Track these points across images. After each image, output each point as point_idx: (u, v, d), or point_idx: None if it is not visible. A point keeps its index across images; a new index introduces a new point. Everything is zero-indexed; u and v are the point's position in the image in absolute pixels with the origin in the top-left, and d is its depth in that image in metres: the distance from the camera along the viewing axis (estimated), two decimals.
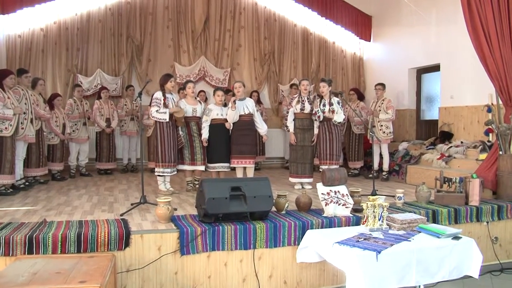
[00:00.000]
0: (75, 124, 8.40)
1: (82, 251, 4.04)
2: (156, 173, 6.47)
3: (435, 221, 5.09)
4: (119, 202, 5.84)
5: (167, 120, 6.28)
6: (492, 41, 6.05)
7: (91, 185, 7.48)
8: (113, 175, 8.74)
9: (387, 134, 8.01)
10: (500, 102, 6.25)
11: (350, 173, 8.67)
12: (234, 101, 6.49)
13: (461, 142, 7.57)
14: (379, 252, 3.60)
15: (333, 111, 6.71)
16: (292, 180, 6.99)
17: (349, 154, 8.69)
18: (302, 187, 6.84)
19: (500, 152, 5.91)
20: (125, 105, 9.12)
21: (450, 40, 8.12)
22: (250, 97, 9.53)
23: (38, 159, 7.37)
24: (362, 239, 3.95)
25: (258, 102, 9.78)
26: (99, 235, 4.09)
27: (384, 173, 8.10)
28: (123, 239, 4.15)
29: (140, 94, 5.47)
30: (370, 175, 8.20)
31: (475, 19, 6.08)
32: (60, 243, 3.98)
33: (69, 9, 9.31)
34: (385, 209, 4.31)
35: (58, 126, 7.92)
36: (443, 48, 8.41)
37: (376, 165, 8.27)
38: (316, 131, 6.88)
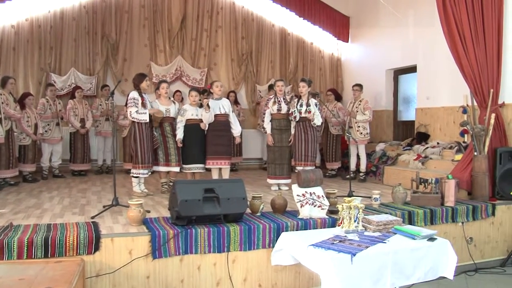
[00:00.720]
0: (48, 124, 8.18)
1: (49, 256, 3.89)
2: (132, 175, 6.33)
3: (411, 222, 5.08)
4: (91, 205, 5.68)
5: (147, 120, 6.15)
6: (466, 43, 6.08)
7: (63, 186, 7.29)
8: (88, 177, 8.55)
9: (364, 135, 8.01)
10: (475, 103, 6.28)
11: (327, 174, 8.66)
12: (208, 104, 6.39)
13: (437, 143, 7.61)
14: (354, 255, 3.55)
15: (309, 112, 6.66)
16: (269, 181, 6.93)
17: (327, 155, 8.65)
18: (279, 188, 6.78)
19: (475, 153, 5.93)
20: (100, 105, 8.95)
21: (426, 42, 8.16)
22: (227, 97, 9.47)
23: (8, 160, 7.17)
24: (337, 241, 3.90)
25: (236, 102, 9.72)
26: (68, 239, 3.95)
27: (361, 174, 8.10)
28: (93, 243, 4.01)
29: (112, 93, 5.33)
30: (348, 176, 8.21)
31: (450, 21, 6.10)
32: (26, 248, 3.82)
33: (41, 6, 9.08)
34: (360, 210, 4.28)
35: (29, 126, 7.69)
36: (419, 50, 8.45)
37: (353, 166, 8.25)
38: (293, 131, 6.83)
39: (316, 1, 10.49)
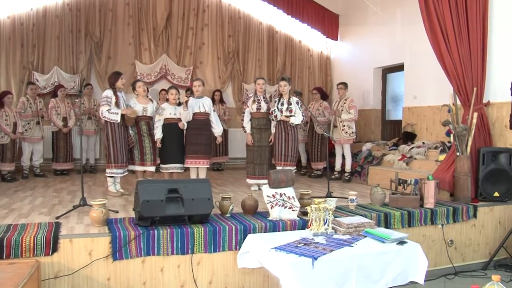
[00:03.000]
0: (28, 123, 8.07)
1: (5, 257, 3.77)
2: (107, 174, 6.21)
3: (387, 224, 4.93)
4: (62, 204, 5.56)
5: (119, 120, 6.03)
6: (449, 41, 5.93)
7: (41, 186, 7.18)
8: (69, 176, 8.42)
9: (350, 134, 7.86)
10: (459, 102, 6.13)
11: (313, 174, 8.53)
12: (186, 102, 6.26)
13: (423, 143, 7.46)
14: (316, 259, 3.40)
15: (291, 111, 6.51)
16: (249, 181, 6.80)
17: (312, 155, 8.50)
18: (259, 189, 6.64)
19: (457, 153, 5.78)
20: (83, 103, 8.80)
21: (413, 40, 8.01)
22: (213, 96, 9.39)
23: None
24: (302, 244, 3.76)
25: (221, 101, 9.59)
26: (24, 240, 3.83)
27: (346, 174, 7.94)
28: (50, 244, 3.89)
29: (80, 92, 5.21)
30: (333, 176, 8.07)
31: (432, 17, 5.94)
32: None
33: (24, 3, 8.94)
34: (330, 212, 4.13)
35: (8, 125, 7.59)
36: (406, 48, 8.31)
37: (338, 166, 8.13)
38: (273, 130, 6.68)
39: None
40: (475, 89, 5.93)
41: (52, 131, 8.49)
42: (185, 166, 6.56)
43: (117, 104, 6.04)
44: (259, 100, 6.64)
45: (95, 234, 4.07)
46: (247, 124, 6.71)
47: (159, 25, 9.73)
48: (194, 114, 6.43)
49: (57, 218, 4.65)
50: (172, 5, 9.82)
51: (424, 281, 3.84)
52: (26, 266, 3.59)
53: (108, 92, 6.08)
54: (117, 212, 4.96)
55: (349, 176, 7.92)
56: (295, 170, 6.76)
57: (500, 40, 6.05)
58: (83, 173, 8.53)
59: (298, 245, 3.72)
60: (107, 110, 5.97)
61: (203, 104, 6.51)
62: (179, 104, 6.47)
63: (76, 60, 9.32)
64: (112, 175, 6.14)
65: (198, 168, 6.50)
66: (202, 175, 6.46)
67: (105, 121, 6.09)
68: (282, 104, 6.57)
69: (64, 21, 9.22)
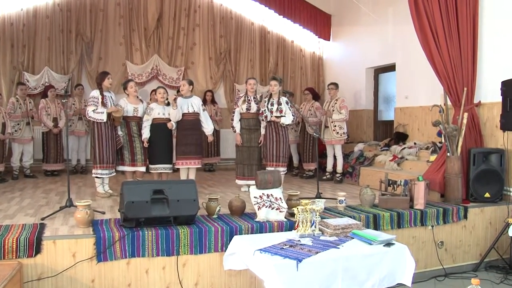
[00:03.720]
0: (18, 124, 8.02)
1: None
2: (93, 175, 6.16)
3: (376, 225, 4.89)
4: (49, 205, 5.51)
5: (105, 120, 5.99)
6: (439, 41, 5.89)
7: (30, 187, 7.13)
8: (60, 177, 8.36)
9: (341, 135, 7.81)
10: (449, 102, 6.10)
11: (304, 174, 8.48)
12: (175, 99, 6.22)
13: (414, 143, 7.43)
14: (300, 261, 3.36)
15: (281, 111, 6.46)
16: (238, 182, 6.74)
17: (303, 156, 8.46)
18: (249, 190, 6.58)
19: (448, 154, 5.75)
20: (73, 104, 8.75)
21: (404, 40, 7.97)
22: (204, 96, 9.35)
23: None
24: (288, 246, 3.72)
25: (213, 102, 9.55)
26: (7, 242, 3.80)
27: (337, 175, 7.90)
28: (33, 245, 3.86)
29: (66, 92, 5.15)
30: (324, 177, 8.04)
31: (421, 16, 5.91)
32: None
33: (14, 3, 8.88)
34: (317, 214, 4.09)
35: None
36: (398, 48, 8.28)
37: (330, 167, 8.09)
38: (263, 131, 6.63)
39: None
40: (465, 89, 5.89)
41: (42, 132, 8.43)
42: (176, 167, 6.52)
43: (103, 104, 5.98)
44: (249, 100, 6.59)
45: (79, 236, 4.03)
46: (236, 124, 6.66)
47: (150, 25, 9.67)
48: (183, 114, 6.38)
49: (43, 219, 4.60)
50: (163, 6, 9.76)
51: (412, 283, 3.81)
52: (7, 268, 3.55)
53: (95, 93, 6.06)
54: (103, 213, 4.90)
55: (340, 177, 7.88)
56: (286, 171, 6.70)
57: (490, 40, 6.02)
58: (74, 174, 8.64)
59: (284, 247, 3.69)
60: (93, 110, 5.94)
61: (192, 104, 6.46)
62: (168, 104, 6.42)
63: (67, 61, 9.26)
64: (97, 175, 6.09)
65: (188, 169, 6.45)
66: (192, 175, 6.41)
67: (92, 121, 6.05)
68: (272, 104, 6.51)
69: (54, 21, 9.16)
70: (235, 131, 6.70)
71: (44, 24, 9.10)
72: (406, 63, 8.07)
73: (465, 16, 5.90)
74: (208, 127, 6.64)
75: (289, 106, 6.55)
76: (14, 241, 3.80)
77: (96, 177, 6.13)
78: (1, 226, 4.25)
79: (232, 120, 6.73)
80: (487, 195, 5.69)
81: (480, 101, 6.12)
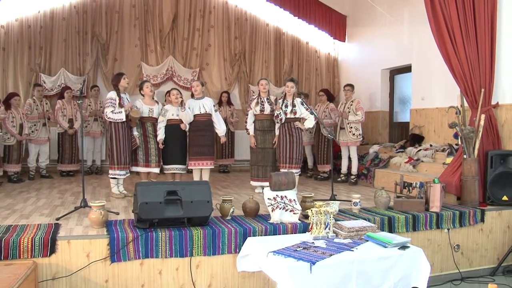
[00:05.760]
0: (34, 125, 8.10)
1: (2, 258, 3.77)
2: (109, 176, 6.20)
3: (390, 228, 4.84)
4: (64, 206, 5.55)
5: (124, 119, 6.04)
6: (456, 41, 5.81)
7: (46, 187, 7.19)
8: (75, 177, 8.43)
9: (357, 136, 7.76)
10: (466, 103, 6.02)
11: (319, 176, 8.45)
12: (182, 102, 6.25)
13: (430, 145, 7.34)
14: (314, 264, 3.33)
15: (295, 113, 6.42)
16: (253, 183, 6.72)
17: (318, 157, 8.42)
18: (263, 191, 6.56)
19: (465, 156, 5.66)
20: (89, 105, 8.83)
21: (421, 41, 7.91)
22: (220, 98, 9.36)
23: None
24: (301, 248, 3.69)
25: (229, 103, 9.54)
26: (22, 241, 3.83)
27: (352, 177, 7.84)
28: (48, 245, 3.89)
29: (81, 92, 5.20)
30: (339, 179, 7.98)
31: (438, 17, 5.83)
32: None
33: (31, 6, 8.98)
34: (331, 216, 4.06)
35: (14, 127, 7.61)
36: (414, 49, 8.20)
37: (344, 169, 8.04)
38: (277, 132, 6.60)
39: (312, 0, 10.24)
40: (482, 90, 5.81)
41: (58, 133, 8.52)
42: (189, 168, 6.53)
43: (120, 105, 6.03)
44: (262, 101, 6.57)
45: (93, 236, 4.04)
46: (250, 126, 6.65)
47: (165, 27, 9.70)
48: (195, 115, 6.40)
49: (57, 219, 4.63)
50: (178, 7, 9.79)
51: (427, 287, 3.75)
52: (22, 267, 3.58)
53: (112, 94, 6.10)
54: (117, 213, 4.92)
55: (355, 179, 7.82)
56: (300, 173, 6.66)
57: (509, 40, 5.92)
58: (89, 174, 8.71)
59: (297, 249, 3.66)
60: (111, 111, 5.98)
61: (204, 105, 6.47)
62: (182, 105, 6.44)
63: (83, 62, 9.34)
64: (114, 176, 6.13)
65: (201, 169, 6.46)
66: (205, 176, 6.42)
67: (110, 122, 6.10)
68: (286, 106, 6.47)
69: (71, 23, 9.24)
70: (249, 133, 6.69)
71: (61, 26, 9.18)
72: (422, 64, 7.99)
73: (482, 16, 5.81)
74: (220, 128, 6.63)
75: (305, 106, 6.49)
76: (29, 241, 3.83)
77: (113, 177, 6.16)
78: (17, 226, 4.29)
79: (246, 122, 6.71)
80: (504, 198, 5.59)
81: (498, 103, 6.03)
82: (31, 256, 3.83)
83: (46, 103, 8.38)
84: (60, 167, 8.55)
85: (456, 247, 5.22)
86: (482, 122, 5.62)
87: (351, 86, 7.98)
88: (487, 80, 5.89)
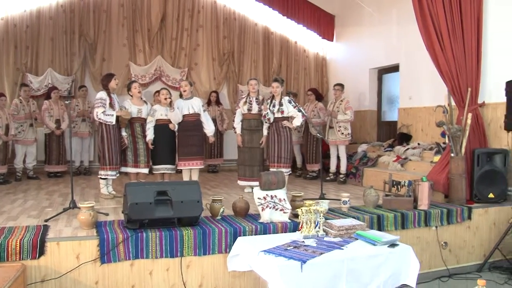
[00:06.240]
0: (21, 125, 8.03)
1: None
2: (100, 176, 6.16)
3: (380, 226, 4.88)
4: (53, 207, 5.51)
5: (114, 122, 5.99)
6: (443, 41, 5.88)
7: (33, 188, 7.13)
8: (63, 178, 8.37)
9: (345, 136, 7.80)
10: (453, 102, 6.08)
11: (308, 175, 8.48)
12: (170, 103, 6.24)
13: (418, 144, 7.41)
14: (304, 262, 3.35)
15: (282, 112, 6.44)
16: (240, 183, 6.73)
17: (307, 156, 8.45)
18: (252, 191, 6.57)
19: (452, 155, 5.72)
20: (77, 105, 8.76)
21: (408, 40, 7.96)
22: (209, 97, 9.34)
23: None
24: (292, 247, 3.71)
25: (217, 103, 9.53)
26: (10, 244, 3.79)
27: (341, 176, 7.89)
28: (37, 247, 3.85)
29: (69, 93, 5.17)
30: (328, 178, 8.02)
31: (425, 16, 5.89)
32: None
33: (17, 5, 8.87)
34: (321, 214, 4.08)
35: (0, 127, 7.51)
36: (402, 48, 8.26)
37: (333, 168, 8.08)
38: (265, 132, 6.61)
39: (300, 0, 10.27)
40: (469, 89, 5.88)
41: (45, 133, 8.44)
42: (178, 168, 6.51)
43: (111, 106, 6.00)
44: (250, 101, 6.58)
45: (83, 237, 4.02)
46: (237, 125, 6.66)
47: (154, 26, 9.66)
48: (184, 115, 6.38)
49: (46, 221, 4.59)
50: (167, 6, 9.76)
51: (416, 284, 3.80)
52: (11, 270, 3.54)
53: (102, 94, 6.04)
54: (107, 214, 4.90)
55: (344, 178, 7.87)
56: (290, 172, 6.68)
57: (495, 40, 6.01)
58: (77, 175, 8.65)
59: (288, 248, 3.68)
60: (102, 112, 5.93)
61: (192, 105, 6.45)
62: (171, 105, 6.43)
63: (70, 62, 9.25)
64: (106, 176, 6.10)
65: (191, 169, 6.45)
66: (195, 176, 6.41)
67: (99, 122, 6.05)
68: (274, 106, 6.48)
69: (58, 22, 9.15)
70: (235, 132, 6.70)
71: (48, 25, 9.09)
72: (410, 63, 8.05)
73: (469, 16, 5.89)
74: (209, 128, 6.62)
75: (292, 104, 6.50)
76: (18, 243, 3.79)
77: (102, 178, 6.12)
78: (4, 228, 4.25)
79: (234, 121, 6.72)
80: (491, 195, 5.68)
81: (484, 102, 6.12)
82: (20, 258, 3.79)
83: (32, 104, 8.30)
84: (48, 168, 8.48)
85: (444, 244, 5.27)
86: (469, 121, 5.68)
87: (341, 85, 8.01)
88: (474, 79, 5.97)
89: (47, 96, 8.50)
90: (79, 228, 4.27)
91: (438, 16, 5.84)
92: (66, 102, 5.52)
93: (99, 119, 5.98)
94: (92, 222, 4.24)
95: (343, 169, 7.88)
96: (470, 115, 5.72)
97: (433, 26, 5.88)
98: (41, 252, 3.85)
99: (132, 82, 6.59)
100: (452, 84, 5.95)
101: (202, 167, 6.60)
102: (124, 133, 6.29)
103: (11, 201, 5.97)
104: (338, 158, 7.98)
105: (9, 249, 3.77)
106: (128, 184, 4.24)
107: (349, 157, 8.16)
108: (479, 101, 6.10)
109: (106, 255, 3.95)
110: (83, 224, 4.23)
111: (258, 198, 4.54)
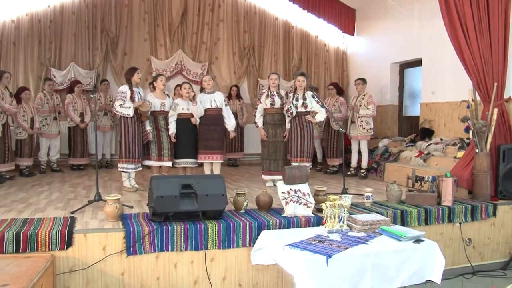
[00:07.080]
0: (45, 119, 8.15)
1: (21, 251, 3.82)
2: (119, 169, 6.24)
3: (403, 222, 4.85)
4: (78, 199, 5.59)
5: (131, 115, 6.05)
6: (469, 34, 5.77)
7: (57, 181, 7.24)
8: (86, 171, 8.50)
9: (367, 130, 7.75)
10: (478, 98, 6.00)
11: (328, 170, 8.46)
12: (194, 96, 6.27)
13: (441, 139, 7.33)
14: (330, 257, 3.35)
15: (305, 106, 6.43)
16: (264, 177, 6.74)
17: (328, 151, 8.42)
18: (274, 185, 6.58)
19: (477, 150, 5.66)
20: (99, 99, 8.84)
21: (431, 35, 7.87)
22: (230, 91, 9.37)
23: (4, 154, 7.16)
24: (317, 241, 3.71)
25: (238, 97, 9.55)
26: (40, 235, 3.87)
27: (362, 171, 7.85)
28: (65, 238, 3.93)
29: (94, 86, 5.22)
30: (348, 173, 7.99)
31: (451, 11, 5.79)
32: None
33: (41, 1, 9.00)
34: (345, 209, 4.07)
35: (25, 121, 7.64)
36: (424, 43, 8.17)
37: (354, 163, 8.04)
38: (288, 125, 6.61)
39: None
40: (495, 84, 5.78)
41: (68, 127, 8.56)
42: (199, 161, 6.55)
43: (132, 99, 6.05)
44: (272, 95, 6.58)
45: (109, 229, 4.07)
46: (259, 120, 6.67)
47: (175, 20, 9.71)
48: (206, 109, 6.41)
49: (72, 213, 4.67)
50: (188, 1, 9.79)
51: (441, 280, 3.77)
52: (41, 260, 3.61)
53: (124, 87, 6.12)
54: (131, 207, 4.96)
55: (365, 173, 7.83)
56: (311, 166, 6.67)
57: None
58: (99, 168, 8.74)
59: (313, 242, 3.68)
60: (120, 105, 6.01)
61: (215, 99, 6.48)
62: (193, 98, 6.46)
63: (92, 56, 9.36)
64: (123, 169, 6.17)
65: (212, 163, 6.48)
66: (216, 170, 6.44)
67: (119, 116, 6.12)
68: (297, 100, 6.48)
69: (80, 17, 9.26)
70: (257, 126, 6.71)
71: (70, 20, 9.21)
72: (433, 58, 7.96)
73: (496, 9, 5.77)
74: (230, 122, 6.65)
75: (316, 99, 6.50)
76: (47, 234, 3.87)
77: (123, 171, 6.19)
78: (33, 219, 4.34)
79: (255, 115, 6.73)
80: None
81: (510, 97, 6.01)
82: (49, 249, 3.87)
83: (56, 97, 8.43)
84: (71, 161, 8.60)
85: (467, 241, 5.23)
86: (494, 116, 5.60)
87: (363, 80, 7.96)
88: (500, 74, 5.86)
89: (69, 90, 8.60)
90: (105, 221, 4.33)
91: (464, 10, 5.74)
92: (91, 95, 5.58)
93: (116, 111, 6.09)
94: (118, 215, 4.30)
95: (364, 164, 7.84)
96: (496, 110, 5.64)
97: (458, 20, 5.78)
98: (69, 244, 3.92)
99: (159, 75, 6.64)
100: (478, 79, 5.86)
101: (222, 161, 6.62)
102: (148, 127, 6.35)
103: (37, 193, 6.07)
104: (359, 153, 7.94)
105: (39, 240, 3.85)
106: (153, 177, 4.28)
107: (370, 152, 8.11)
108: (505, 96, 5.99)
109: (132, 247, 4.00)
110: (109, 217, 4.28)
111: (282, 192, 4.55)
